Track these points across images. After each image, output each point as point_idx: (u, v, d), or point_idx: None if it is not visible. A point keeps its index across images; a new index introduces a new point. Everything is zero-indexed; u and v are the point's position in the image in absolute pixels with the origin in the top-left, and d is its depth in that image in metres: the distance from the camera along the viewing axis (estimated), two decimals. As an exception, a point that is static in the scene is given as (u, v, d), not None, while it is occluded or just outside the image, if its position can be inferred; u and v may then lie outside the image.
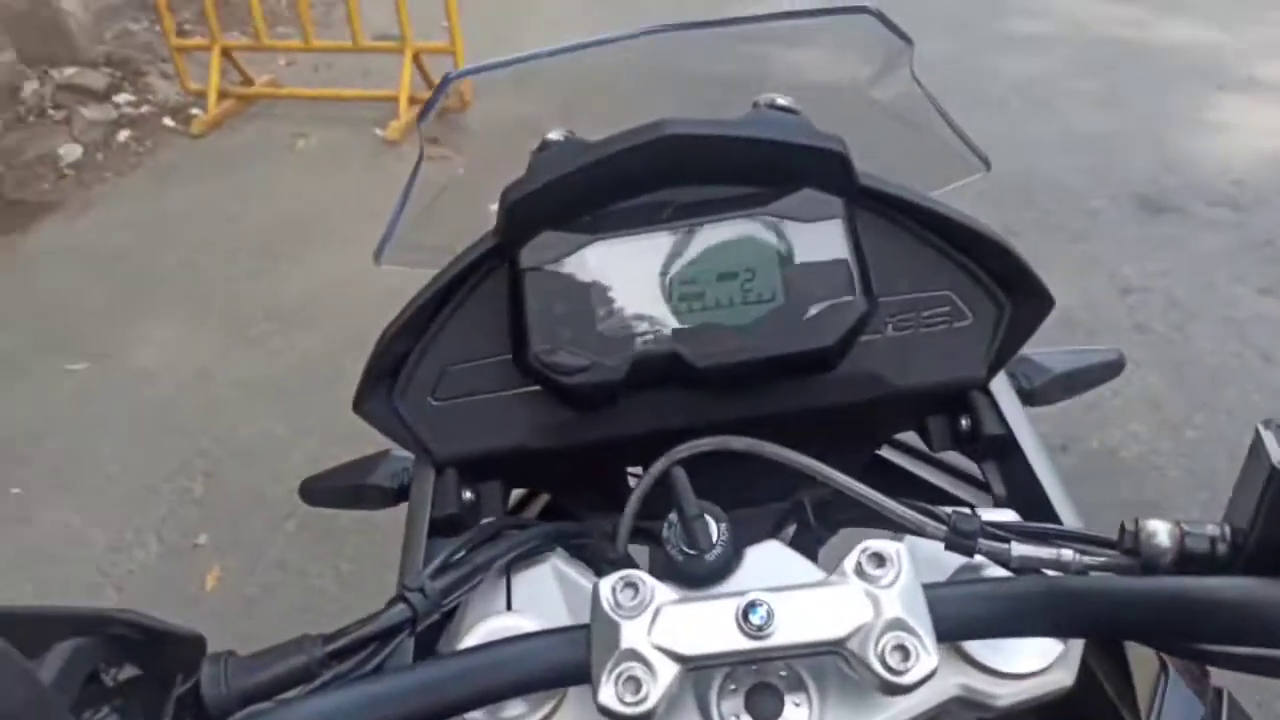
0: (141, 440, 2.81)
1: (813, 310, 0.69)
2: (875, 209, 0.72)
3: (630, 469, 0.85)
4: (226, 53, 4.85)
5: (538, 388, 0.71)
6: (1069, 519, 0.68)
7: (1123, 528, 0.52)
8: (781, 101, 0.74)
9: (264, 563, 2.39)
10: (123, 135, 4.67)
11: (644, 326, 0.69)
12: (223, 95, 4.84)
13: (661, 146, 0.66)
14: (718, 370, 0.69)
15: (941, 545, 0.55)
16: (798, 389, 0.73)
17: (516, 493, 0.92)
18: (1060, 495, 0.70)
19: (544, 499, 0.95)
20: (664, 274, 0.69)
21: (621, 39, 0.77)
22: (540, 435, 0.73)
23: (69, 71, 4.88)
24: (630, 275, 0.69)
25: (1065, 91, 4.36)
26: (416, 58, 4.58)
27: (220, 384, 3.00)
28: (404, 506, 0.76)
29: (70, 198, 4.19)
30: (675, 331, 0.69)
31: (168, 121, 4.84)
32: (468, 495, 0.74)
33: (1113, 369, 1.04)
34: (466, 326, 0.72)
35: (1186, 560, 0.50)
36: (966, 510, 0.57)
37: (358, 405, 0.71)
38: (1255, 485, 0.46)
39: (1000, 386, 0.76)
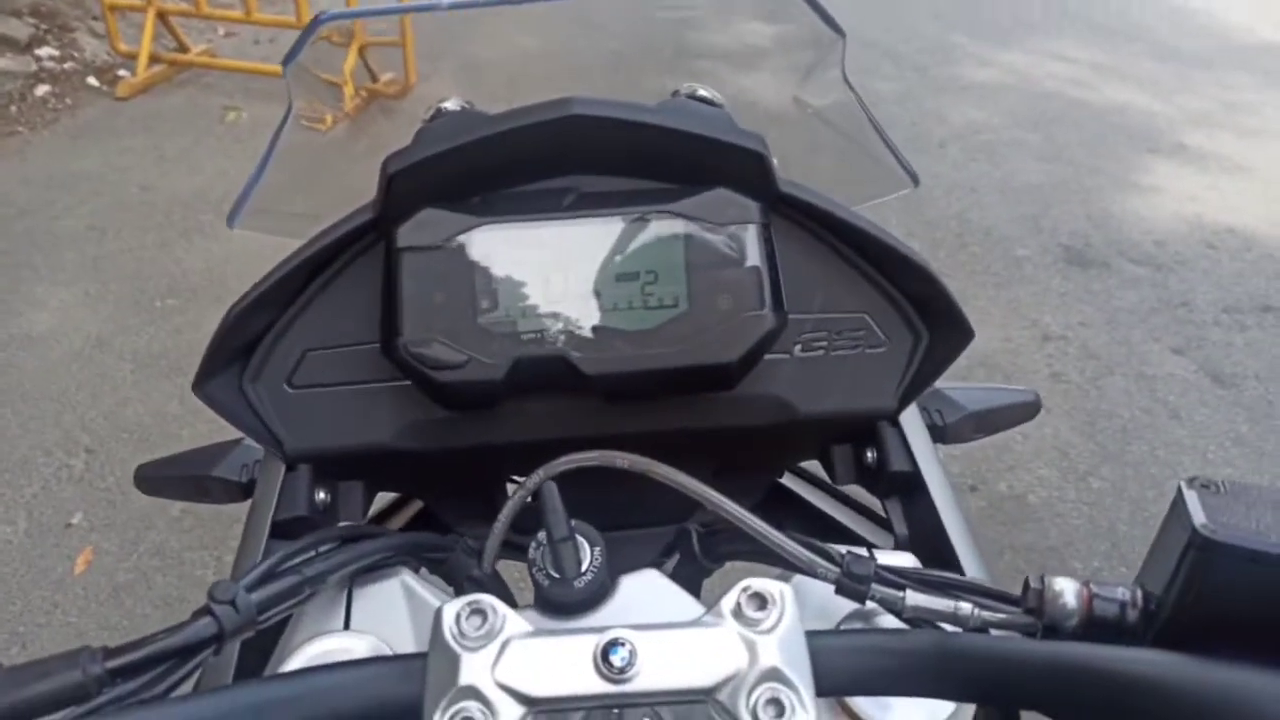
0: (21, 410, 2.63)
1: (717, 322, 0.63)
2: (793, 218, 0.67)
3: (514, 476, 0.79)
4: (163, 16, 4.68)
5: (407, 382, 0.64)
6: (971, 567, 0.63)
7: (1026, 584, 0.47)
8: (703, 92, 0.68)
9: (141, 547, 2.24)
10: (41, 90, 4.45)
11: (530, 324, 0.63)
12: (154, 59, 4.66)
13: (564, 127, 0.60)
14: (609, 378, 0.63)
15: (832, 588, 0.50)
16: (695, 406, 0.67)
17: (386, 497, 0.85)
18: (964, 540, 0.65)
19: (417, 505, 0.87)
20: (557, 268, 0.63)
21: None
22: (407, 435, 0.66)
23: (-12, 18, 4.65)
24: (520, 266, 0.63)
25: (1006, 141, 4.43)
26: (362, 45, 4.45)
27: (115, 356, 2.83)
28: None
29: (-26, 149, 3.97)
30: (565, 333, 0.63)
31: (92, 81, 4.64)
32: (321, 496, 0.67)
33: (1028, 410, 1.00)
34: (333, 307, 0.65)
35: (1093, 624, 0.45)
36: (862, 552, 0.52)
37: (198, 386, 0.63)
38: (1173, 548, 0.42)
39: (910, 420, 0.72)
